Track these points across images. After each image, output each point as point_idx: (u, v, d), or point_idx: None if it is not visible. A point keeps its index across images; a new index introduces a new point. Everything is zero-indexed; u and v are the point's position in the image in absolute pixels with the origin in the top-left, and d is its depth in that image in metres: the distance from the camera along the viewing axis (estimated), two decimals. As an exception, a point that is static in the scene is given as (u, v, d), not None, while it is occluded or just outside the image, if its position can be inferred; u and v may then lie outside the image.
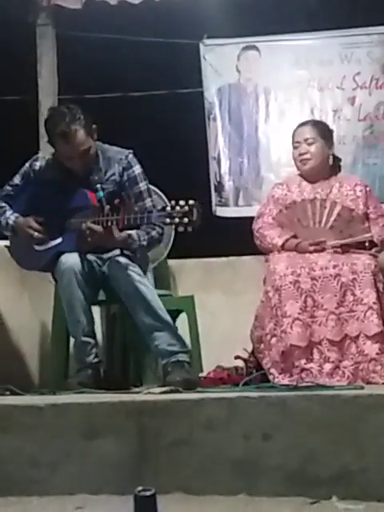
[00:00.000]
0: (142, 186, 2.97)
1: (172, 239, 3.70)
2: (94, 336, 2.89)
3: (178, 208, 2.61)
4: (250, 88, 4.32)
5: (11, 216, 3.01)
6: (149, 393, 2.37)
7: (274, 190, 3.37)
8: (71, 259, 2.84)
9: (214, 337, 3.64)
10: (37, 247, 2.97)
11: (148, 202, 2.96)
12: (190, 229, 2.61)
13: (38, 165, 3.04)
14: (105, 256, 2.93)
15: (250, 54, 4.32)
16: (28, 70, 4.36)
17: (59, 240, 2.92)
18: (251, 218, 3.38)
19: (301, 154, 3.28)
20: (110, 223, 2.76)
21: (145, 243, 2.90)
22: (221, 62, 4.32)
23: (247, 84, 4.33)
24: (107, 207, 2.80)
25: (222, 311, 3.89)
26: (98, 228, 2.78)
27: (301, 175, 3.35)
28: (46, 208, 2.94)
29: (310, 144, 3.27)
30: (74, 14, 4.33)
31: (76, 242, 2.87)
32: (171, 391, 2.44)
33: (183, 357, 2.77)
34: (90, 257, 2.93)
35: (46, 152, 4.15)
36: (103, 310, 3.69)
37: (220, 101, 4.31)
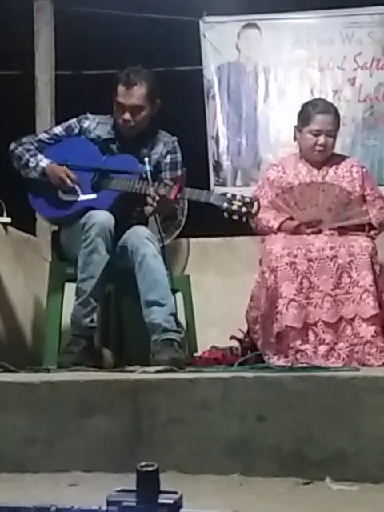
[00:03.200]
0: (180, 173, 3.01)
1: (183, 222, 3.72)
2: (98, 301, 2.87)
3: (238, 197, 2.69)
4: (250, 67, 4.29)
5: (45, 159, 2.99)
6: (144, 372, 2.36)
7: (268, 172, 3.34)
8: (104, 215, 2.84)
9: (209, 317, 3.64)
10: (64, 197, 2.95)
11: (176, 216, 3.09)
12: (245, 219, 2.70)
13: (87, 122, 3.07)
14: (122, 227, 2.93)
15: (250, 32, 4.28)
16: (25, 44, 4.30)
17: (94, 196, 2.92)
18: (249, 198, 3.36)
19: (320, 145, 3.19)
20: (170, 191, 2.79)
21: (180, 219, 3.03)
22: (221, 40, 4.28)
23: (247, 63, 4.29)
24: (156, 183, 2.83)
25: (217, 291, 3.88)
26: (157, 198, 2.78)
27: (299, 157, 3.31)
28: (85, 162, 2.94)
29: (330, 136, 3.21)
30: (72, -11, 4.28)
31: (114, 203, 2.86)
32: (166, 370, 2.43)
33: (174, 336, 2.76)
34: None
35: (41, 128, 4.13)
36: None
37: (219, 79, 4.27)
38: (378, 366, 2.90)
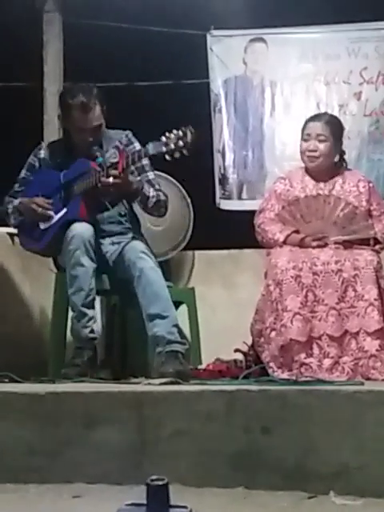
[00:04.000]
0: (144, 161, 3.00)
1: (190, 232, 3.74)
2: (92, 308, 2.88)
3: (172, 135, 2.69)
4: (257, 80, 4.31)
5: (15, 201, 3.07)
6: (148, 384, 2.37)
7: (276, 185, 3.35)
8: (80, 227, 2.87)
9: (214, 329, 3.64)
10: (42, 226, 2.99)
11: (150, 175, 3.03)
12: (185, 152, 2.68)
13: (42, 153, 3.11)
14: (118, 240, 2.96)
15: (257, 46, 4.31)
16: (33, 56, 4.34)
17: (64, 210, 2.96)
18: (255, 212, 3.38)
19: (310, 150, 3.23)
20: (117, 169, 2.79)
21: (153, 198, 2.97)
22: (227, 54, 4.31)
23: (253, 76, 4.32)
24: (108, 164, 2.84)
25: (222, 304, 3.89)
26: (110, 179, 2.80)
27: (305, 170, 3.33)
28: (51, 188, 2.99)
29: (320, 141, 3.22)
30: (81, 2, 4.32)
31: (82, 207, 2.90)
32: (171, 383, 2.43)
33: (179, 347, 2.76)
34: (103, 240, 2.95)
35: (49, 138, 4.15)
36: (103, 301, 3.69)
37: (226, 93, 4.30)
38: (383, 380, 2.89)
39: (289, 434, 1.92)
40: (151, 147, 2.77)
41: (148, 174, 3.05)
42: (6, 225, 3.55)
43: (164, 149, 2.71)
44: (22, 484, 1.94)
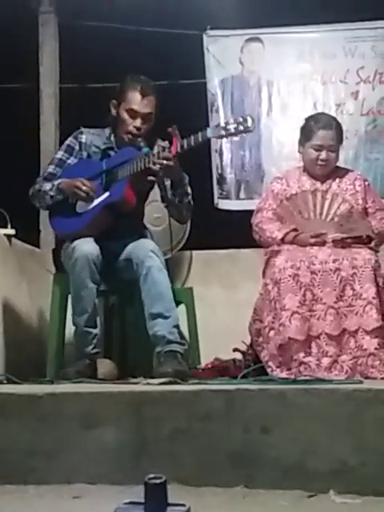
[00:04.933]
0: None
1: (187, 233, 3.73)
2: (96, 326, 2.89)
3: (231, 120, 2.78)
4: (253, 80, 4.32)
5: (59, 180, 3.01)
6: (147, 384, 2.37)
7: (273, 185, 3.35)
8: (87, 247, 2.84)
9: (213, 329, 3.64)
10: (80, 209, 2.97)
11: (188, 188, 3.02)
12: (245, 134, 2.79)
13: (83, 137, 3.09)
14: (125, 241, 2.96)
15: (253, 46, 4.31)
16: (29, 57, 4.34)
17: (107, 194, 2.94)
18: (252, 211, 3.38)
19: (322, 160, 3.21)
20: (170, 147, 2.82)
21: (190, 196, 2.98)
22: (224, 54, 4.31)
23: (250, 76, 4.32)
24: (160, 149, 2.88)
25: (220, 303, 3.89)
26: (164, 161, 2.80)
27: (303, 170, 3.33)
28: (92, 173, 2.98)
29: (332, 151, 3.22)
30: (77, 2, 4.31)
31: (128, 190, 2.89)
32: (170, 382, 2.43)
33: (178, 348, 2.77)
34: (107, 243, 2.93)
35: (45, 139, 4.15)
36: (102, 301, 3.69)
37: (223, 93, 4.30)
38: (381, 378, 2.89)
39: (288, 433, 1.92)
40: (210, 132, 2.79)
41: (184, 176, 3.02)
42: (4, 226, 3.57)
43: (223, 132, 2.76)
44: (22, 485, 1.94)
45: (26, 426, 2.00)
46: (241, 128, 2.73)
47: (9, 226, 3.57)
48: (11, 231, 3.56)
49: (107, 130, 3.11)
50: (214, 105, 4.30)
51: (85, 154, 3.07)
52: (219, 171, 4.29)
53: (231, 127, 2.74)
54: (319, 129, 3.22)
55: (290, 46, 4.28)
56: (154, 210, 3.62)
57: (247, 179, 4.28)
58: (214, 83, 4.30)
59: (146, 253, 2.85)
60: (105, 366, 3.17)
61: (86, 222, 2.94)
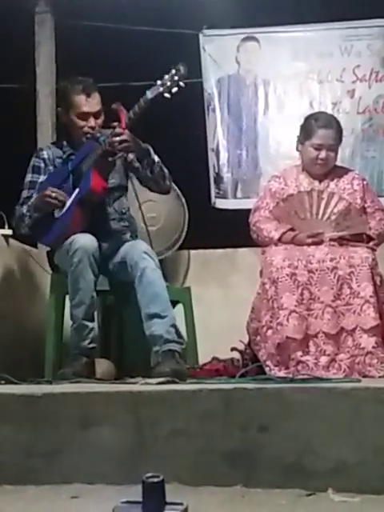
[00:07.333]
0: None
1: (185, 231, 3.73)
2: (93, 320, 2.89)
3: (166, 76, 2.81)
4: (250, 79, 4.31)
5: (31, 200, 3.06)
6: (145, 383, 2.37)
7: (270, 184, 3.35)
8: (84, 240, 2.86)
9: (211, 328, 3.64)
10: (58, 214, 3.00)
11: (154, 156, 3.00)
12: (181, 84, 2.79)
13: (45, 153, 3.14)
14: (119, 241, 2.97)
15: (249, 45, 4.31)
16: (26, 57, 4.33)
17: (77, 190, 2.97)
18: (249, 210, 3.38)
19: (322, 159, 3.21)
20: (119, 124, 2.85)
21: (159, 163, 2.98)
22: (220, 53, 4.31)
23: (247, 75, 4.32)
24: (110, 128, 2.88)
25: (218, 303, 3.90)
26: (117, 138, 2.83)
27: (301, 169, 3.33)
28: (60, 179, 3.01)
29: (331, 150, 3.22)
30: (73, 2, 4.31)
31: (94, 178, 2.91)
32: (168, 382, 2.43)
33: (176, 347, 2.77)
34: (102, 244, 2.95)
35: (42, 140, 4.15)
36: (99, 300, 3.68)
37: (219, 92, 4.30)
38: (379, 377, 2.90)
39: (286, 432, 1.93)
40: (149, 93, 2.83)
41: (152, 154, 3.01)
42: (2, 226, 3.57)
43: (161, 89, 2.79)
44: (21, 485, 1.94)
45: (24, 426, 2.00)
46: (176, 78, 2.78)
47: (6, 226, 3.57)
48: (8, 231, 3.56)
49: (59, 144, 3.18)
50: (211, 104, 4.30)
51: (51, 168, 3.11)
52: (216, 170, 4.28)
53: (167, 81, 2.79)
54: (320, 128, 3.22)
55: (286, 45, 4.28)
56: (149, 210, 3.62)
57: (244, 178, 4.28)
58: (210, 82, 4.30)
59: (140, 254, 2.86)
60: (103, 365, 3.17)
61: (66, 223, 2.97)
